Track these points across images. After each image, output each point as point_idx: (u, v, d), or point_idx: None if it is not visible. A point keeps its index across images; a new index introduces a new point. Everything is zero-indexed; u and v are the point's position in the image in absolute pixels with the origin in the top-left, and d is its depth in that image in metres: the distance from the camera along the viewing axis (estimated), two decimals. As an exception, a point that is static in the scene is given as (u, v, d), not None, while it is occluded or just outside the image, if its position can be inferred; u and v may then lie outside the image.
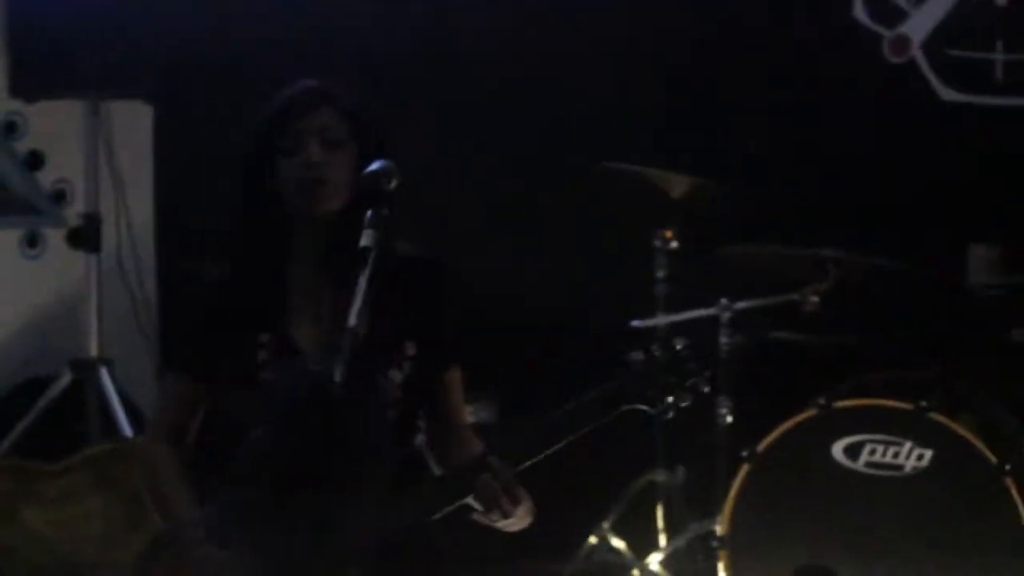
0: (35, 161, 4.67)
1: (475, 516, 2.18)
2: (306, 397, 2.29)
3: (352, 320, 2.16)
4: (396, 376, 2.39)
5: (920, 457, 3.53)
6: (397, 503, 2.25)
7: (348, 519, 2.27)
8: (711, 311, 3.94)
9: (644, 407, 2.35)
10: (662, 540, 4.08)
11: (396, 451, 2.42)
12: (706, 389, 2.37)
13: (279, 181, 2.38)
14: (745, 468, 3.66)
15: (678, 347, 2.38)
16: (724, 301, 3.92)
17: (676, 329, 4.11)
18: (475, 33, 4.58)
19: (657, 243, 4.01)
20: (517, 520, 2.23)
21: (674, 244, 4.01)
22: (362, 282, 2.17)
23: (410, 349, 2.42)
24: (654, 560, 4.05)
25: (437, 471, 2.50)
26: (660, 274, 4.03)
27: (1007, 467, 3.44)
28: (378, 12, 4.76)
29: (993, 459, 3.45)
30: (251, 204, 2.41)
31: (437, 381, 2.48)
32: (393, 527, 2.24)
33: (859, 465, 3.61)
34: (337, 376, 2.13)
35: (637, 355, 2.35)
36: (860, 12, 4.50)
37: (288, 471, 2.31)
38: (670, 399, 2.36)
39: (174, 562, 2.31)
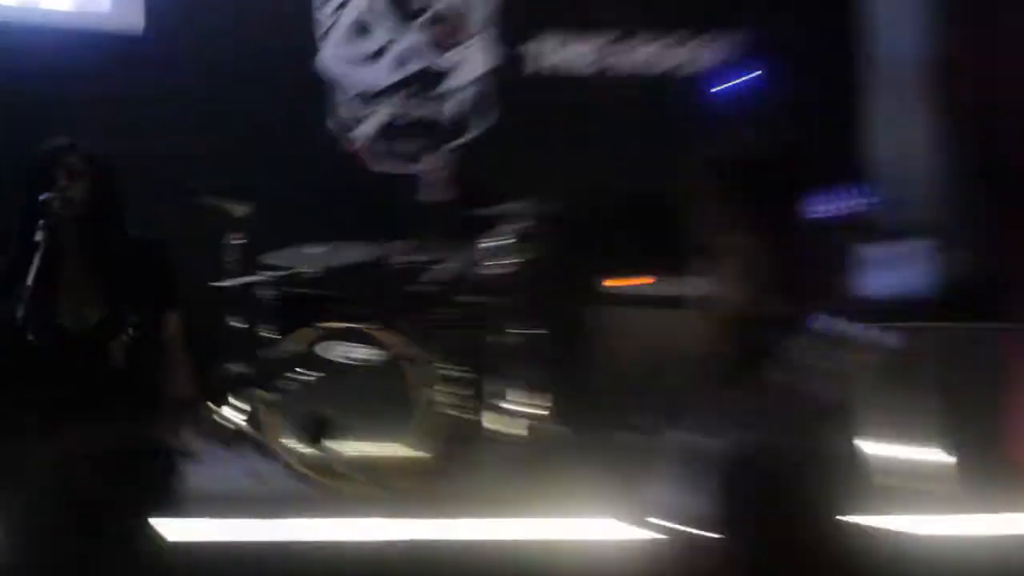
0: None
1: None
2: None
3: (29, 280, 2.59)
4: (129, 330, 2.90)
5: (370, 354, 4.93)
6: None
7: None
8: (260, 277, 5.15)
9: None
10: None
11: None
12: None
13: None
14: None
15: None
16: (268, 274, 5.15)
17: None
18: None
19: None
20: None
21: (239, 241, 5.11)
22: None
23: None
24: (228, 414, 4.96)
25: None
26: (228, 259, 5.15)
27: (405, 361, 4.84)
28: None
29: (407, 352, 4.87)
30: None
31: None
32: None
33: (341, 358, 4.95)
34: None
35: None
36: (332, 124, 6.34)
37: None
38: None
39: None
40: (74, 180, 2.87)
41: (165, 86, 5.78)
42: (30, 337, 2.73)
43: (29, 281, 2.62)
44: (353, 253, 5.27)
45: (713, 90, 5.85)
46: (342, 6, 6.29)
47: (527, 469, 4.92)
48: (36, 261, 2.64)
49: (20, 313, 2.63)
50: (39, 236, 2.69)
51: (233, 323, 5.21)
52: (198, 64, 5.83)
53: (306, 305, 5.22)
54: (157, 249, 3.07)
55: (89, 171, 2.92)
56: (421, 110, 6.46)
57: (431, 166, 6.02)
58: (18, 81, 5.55)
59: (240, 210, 5.26)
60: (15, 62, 5.65)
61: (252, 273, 5.23)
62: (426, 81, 6.46)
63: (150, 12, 5.87)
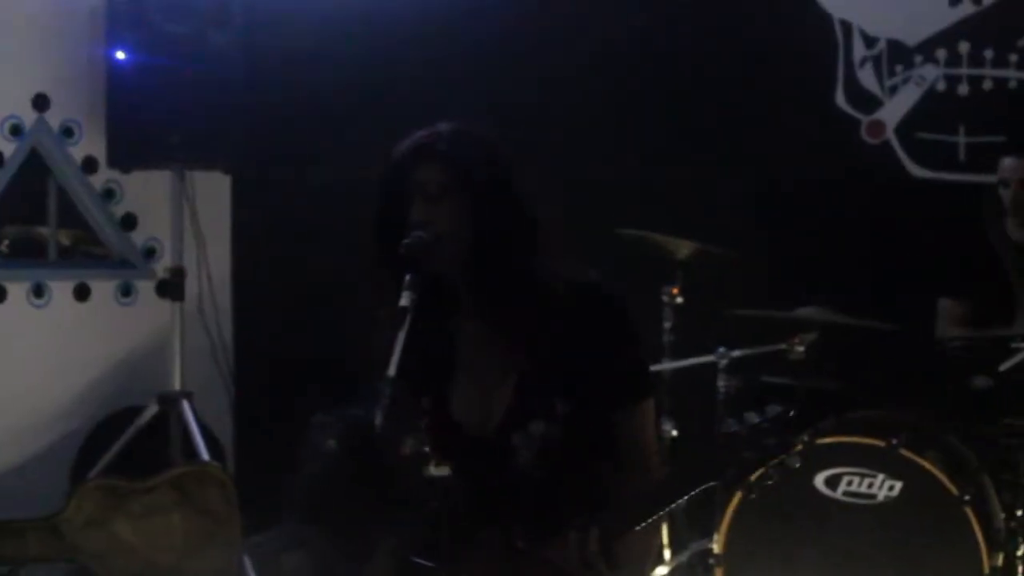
0: (130, 222, 4.89)
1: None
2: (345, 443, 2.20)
3: (391, 370, 2.01)
4: (538, 428, 2.16)
5: (891, 488, 3.69)
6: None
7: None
8: (710, 358, 4.13)
9: (732, 482, 2.09)
10: (667, 555, 4.15)
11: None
12: (796, 465, 2.10)
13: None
14: (738, 495, 3.77)
15: (770, 414, 2.10)
16: (721, 349, 4.11)
17: (684, 375, 4.20)
18: (493, 101, 4.61)
19: (664, 298, 4.19)
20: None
21: (679, 299, 4.19)
22: (400, 338, 2.02)
23: (559, 401, 2.19)
24: (659, 573, 4.10)
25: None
26: (667, 325, 4.19)
27: (966, 498, 3.60)
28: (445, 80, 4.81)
29: (955, 491, 3.61)
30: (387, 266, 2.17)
31: (618, 420, 2.20)
32: None
33: (838, 494, 3.77)
34: (378, 422, 1.99)
35: (730, 425, 2.09)
36: (841, 100, 4.72)
37: (337, 513, 2.24)
38: (760, 473, 2.09)
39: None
40: (450, 197, 2.17)
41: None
42: (392, 459, 2.04)
43: (392, 367, 1.97)
44: (868, 318, 4.15)
45: None
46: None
47: None
48: (400, 336, 2.02)
49: (379, 418, 1.95)
50: (405, 299, 2.05)
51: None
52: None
53: (804, 409, 3.91)
54: (608, 299, 2.25)
55: (475, 181, 2.18)
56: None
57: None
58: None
59: (685, 249, 4.24)
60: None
61: (705, 349, 4.29)
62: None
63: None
